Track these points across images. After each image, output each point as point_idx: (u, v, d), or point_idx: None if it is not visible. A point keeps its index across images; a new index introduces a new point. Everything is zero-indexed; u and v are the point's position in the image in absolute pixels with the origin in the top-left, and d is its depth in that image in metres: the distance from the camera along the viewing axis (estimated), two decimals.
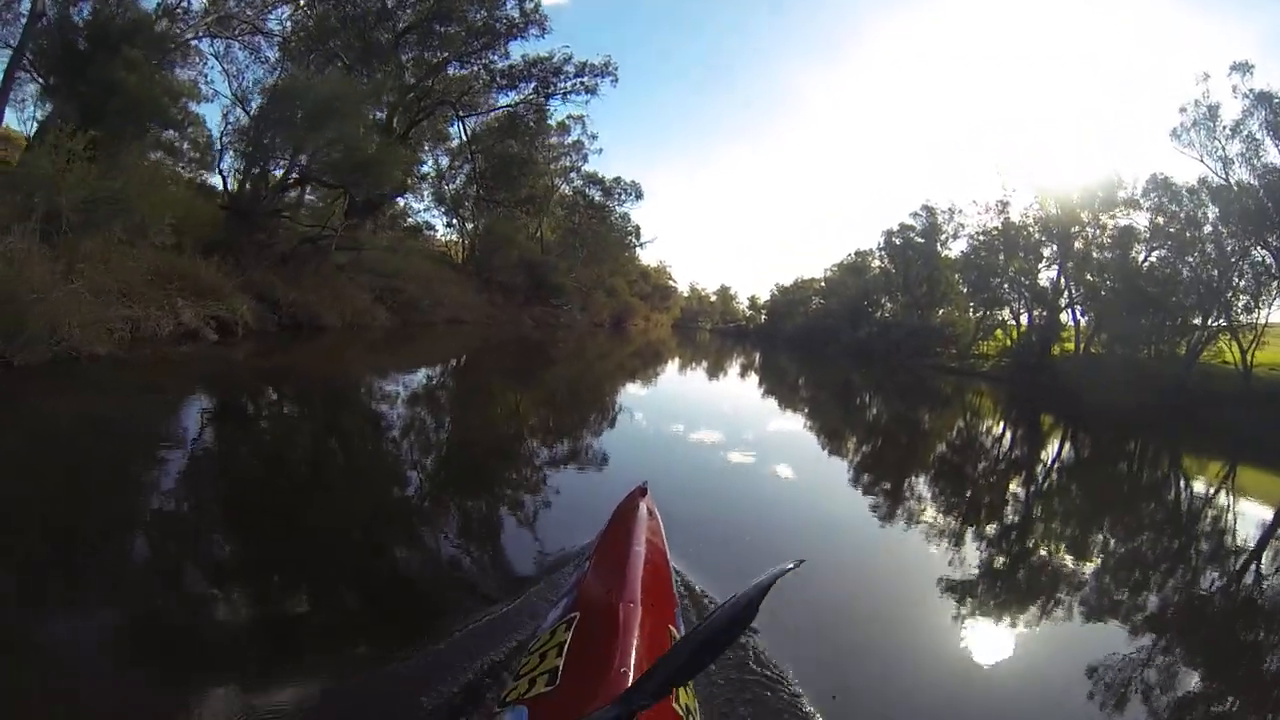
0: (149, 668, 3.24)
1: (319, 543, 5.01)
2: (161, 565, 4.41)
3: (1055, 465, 13.62)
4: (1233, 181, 28.78)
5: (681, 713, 2.11)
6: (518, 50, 32.56)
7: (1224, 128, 28.54)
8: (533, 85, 33.86)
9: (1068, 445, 17.36)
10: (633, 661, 2.04)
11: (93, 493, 5.51)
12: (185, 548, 4.67)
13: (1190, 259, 31.25)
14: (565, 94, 34.19)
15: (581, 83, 33.51)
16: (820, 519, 7.60)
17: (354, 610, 4.14)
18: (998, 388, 33.13)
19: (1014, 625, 5.02)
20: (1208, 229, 30.50)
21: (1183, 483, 13.21)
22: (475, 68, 32.64)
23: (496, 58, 32.24)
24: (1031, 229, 39.82)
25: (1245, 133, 27.97)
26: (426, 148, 37.49)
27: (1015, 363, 38.08)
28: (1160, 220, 32.69)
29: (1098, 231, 36.39)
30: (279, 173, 21.72)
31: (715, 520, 6.51)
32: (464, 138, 37.17)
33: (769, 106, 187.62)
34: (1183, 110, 29.40)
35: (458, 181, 40.63)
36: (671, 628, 2.66)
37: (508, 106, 35.13)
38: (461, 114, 34.45)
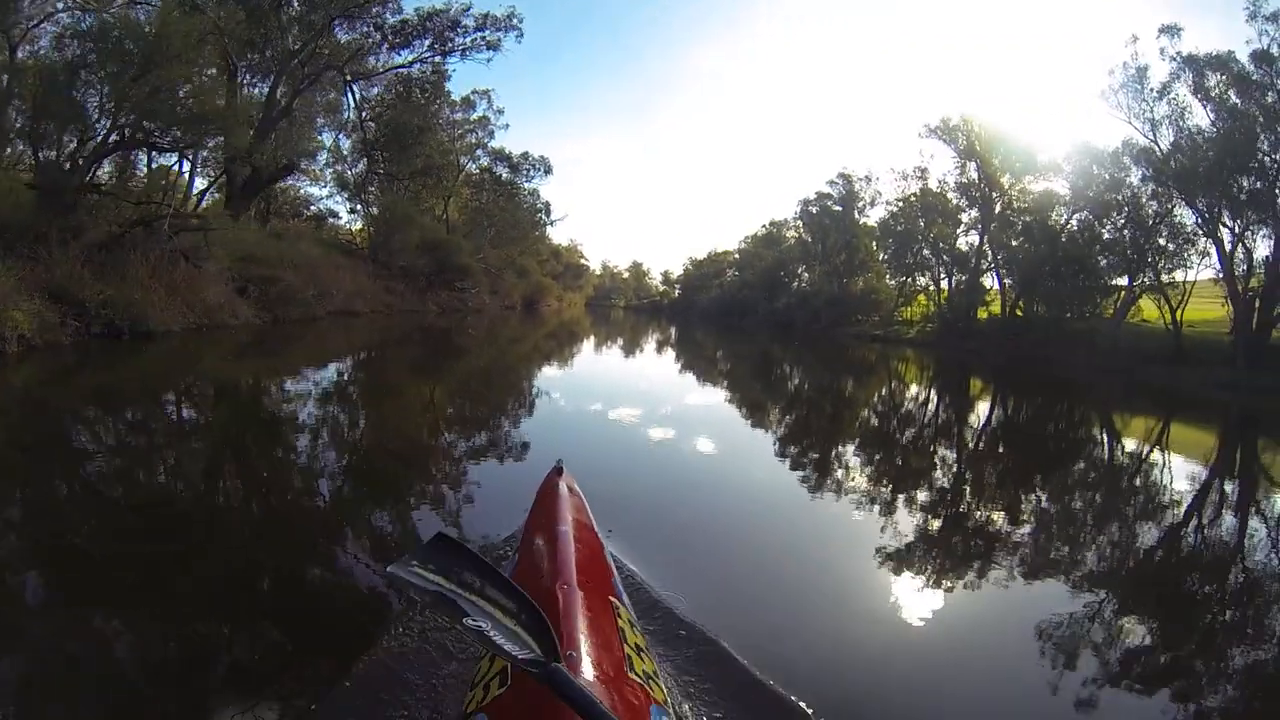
0: None
1: (225, 578, 4.23)
2: None
3: (986, 428, 13.41)
4: (1162, 143, 28.09)
5: (640, 679, 2.02)
6: (411, 4, 29.49)
7: (1151, 90, 27.78)
8: (428, 42, 30.57)
9: (998, 408, 17.08)
10: (580, 643, 1.94)
11: None
12: None
13: (1112, 221, 30.77)
14: (465, 51, 30.92)
15: (483, 38, 30.49)
16: (743, 489, 7.36)
17: (278, 645, 3.57)
18: (924, 353, 32.20)
19: (946, 587, 4.84)
20: (1127, 192, 29.88)
21: (1118, 440, 12.93)
22: (365, 26, 28.97)
23: (388, 13, 28.84)
24: (950, 194, 38.95)
25: (1172, 95, 27.33)
26: (320, 124, 33.10)
27: (940, 328, 36.77)
28: (1081, 183, 31.90)
29: (1018, 195, 35.64)
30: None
31: (637, 495, 6.32)
32: (352, 105, 32.65)
33: (678, 80, 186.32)
34: (1111, 72, 28.63)
35: (361, 165, 36.67)
36: (613, 599, 2.52)
37: (402, 67, 31.68)
38: (350, 78, 30.34)
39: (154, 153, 19.05)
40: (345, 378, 13.55)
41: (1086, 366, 26.61)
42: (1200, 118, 27.09)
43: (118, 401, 9.49)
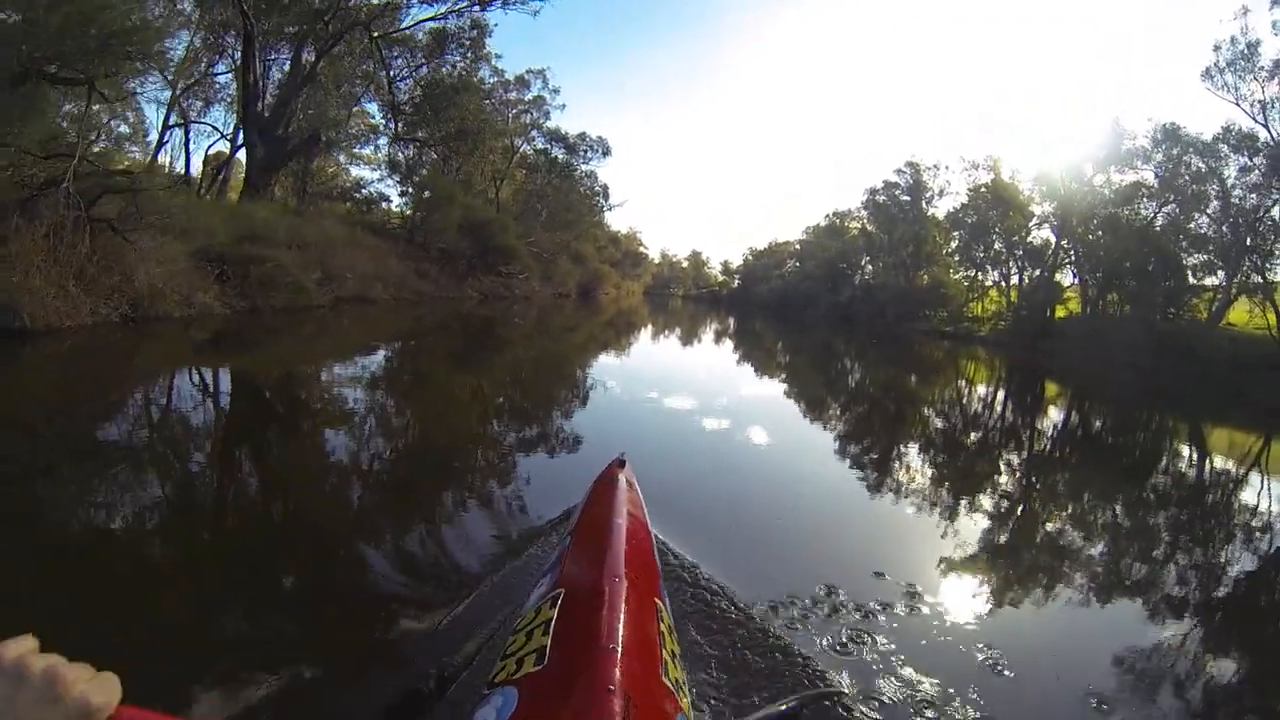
0: None
1: (291, 543, 4.65)
2: None
3: (1065, 436, 12.33)
4: (1274, 128, 25.47)
5: (671, 686, 2.00)
6: None
7: (1262, 69, 25.27)
8: None
9: (1078, 415, 15.47)
10: (620, 636, 1.91)
11: None
12: None
13: (1206, 214, 28.27)
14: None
15: None
16: (803, 485, 7.25)
17: (332, 603, 3.81)
18: (996, 352, 29.60)
19: (1004, 598, 4.62)
20: (1230, 182, 27.41)
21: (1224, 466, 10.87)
22: None
23: None
24: (1022, 185, 36.69)
25: None
26: (358, 93, 30.40)
27: (1013, 326, 34.15)
28: (1170, 174, 29.27)
29: (1101, 185, 32.69)
30: None
31: (694, 489, 6.41)
32: (379, 60, 28.51)
33: (746, 68, 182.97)
34: (1217, 48, 26.15)
35: (412, 147, 35.14)
36: (657, 600, 2.50)
37: (434, 20, 28.89)
38: (377, 35, 27.43)
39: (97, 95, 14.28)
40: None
41: (1176, 374, 23.80)
42: None
43: None
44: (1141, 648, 4.02)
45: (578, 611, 2.13)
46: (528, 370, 14.12)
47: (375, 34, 26.85)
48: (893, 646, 3.61)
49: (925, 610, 4.13)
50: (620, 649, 1.84)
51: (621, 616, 2.01)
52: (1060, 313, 33.56)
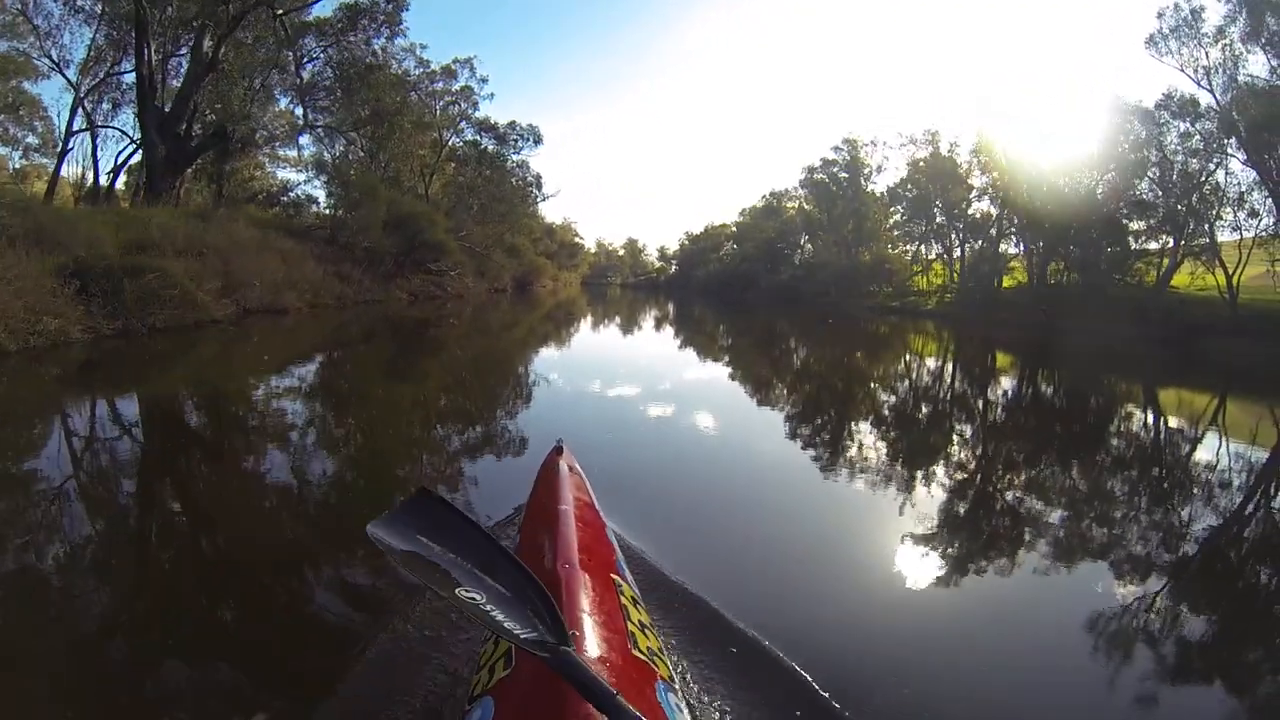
0: None
1: (228, 579, 4.04)
2: None
3: (1018, 402, 12.26)
4: (1218, 94, 25.62)
5: (644, 657, 1.98)
6: None
7: (1205, 34, 25.42)
8: None
9: (1032, 383, 15.22)
10: (583, 622, 1.89)
11: None
12: None
13: (1150, 178, 28.30)
14: None
15: None
16: (746, 463, 7.12)
17: (285, 636, 3.43)
18: (945, 325, 28.83)
19: (947, 559, 4.59)
20: (1172, 148, 27.47)
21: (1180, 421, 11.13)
22: None
23: None
24: (961, 158, 36.23)
25: (1226, 40, 25.03)
26: (270, 84, 27.23)
27: (960, 298, 33.48)
28: (1111, 142, 29.07)
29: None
30: None
31: (638, 472, 6.23)
32: (285, 40, 24.90)
33: (671, 52, 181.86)
34: (1160, 15, 26.23)
35: (339, 146, 32.81)
36: (615, 577, 2.47)
37: None
38: (280, 12, 24.25)
39: None
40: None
41: (1129, 338, 23.51)
42: (1257, 66, 24.73)
43: None
44: (1108, 610, 3.92)
45: None
46: (466, 372, 12.76)
47: (280, 12, 24.02)
48: (829, 611, 3.72)
49: (870, 576, 4.30)
50: (585, 633, 1.83)
51: (581, 600, 1.98)
52: (1007, 283, 33.00)
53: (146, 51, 19.79)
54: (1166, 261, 27.61)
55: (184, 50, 23.02)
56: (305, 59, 26.70)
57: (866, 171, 42.40)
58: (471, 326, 21.55)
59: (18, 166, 31.19)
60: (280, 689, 2.96)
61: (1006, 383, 15.01)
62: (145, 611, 3.65)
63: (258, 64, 24.61)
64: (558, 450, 3.67)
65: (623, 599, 2.27)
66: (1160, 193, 27.86)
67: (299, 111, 28.27)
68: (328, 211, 29.05)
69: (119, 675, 3.05)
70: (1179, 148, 27.15)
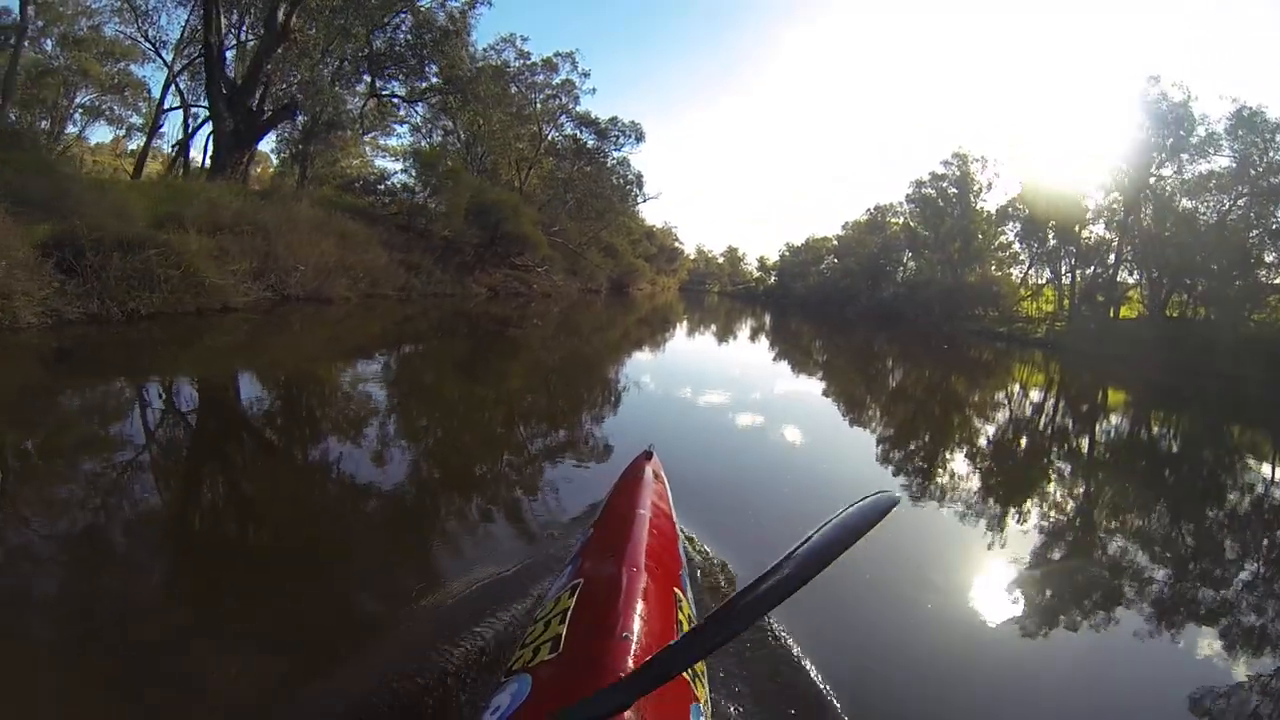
0: None
1: (319, 521, 4.61)
2: None
3: (1126, 445, 11.14)
4: None
5: (687, 676, 1.94)
6: None
7: None
8: None
9: (1144, 427, 13.39)
10: (636, 627, 1.89)
11: None
12: None
13: None
14: None
15: None
16: (835, 489, 6.78)
17: (354, 581, 3.76)
18: (1053, 355, 26.69)
19: (1039, 618, 4.16)
20: None
21: None
22: None
23: None
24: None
25: None
26: (344, 54, 24.79)
27: (1070, 327, 31.05)
28: (1245, 162, 26.43)
29: (1170, 176, 29.22)
30: None
31: (723, 483, 6.28)
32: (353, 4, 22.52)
33: (781, 64, 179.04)
34: None
35: (436, 135, 32.34)
36: (677, 590, 2.46)
37: None
38: None
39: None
40: None
41: (1263, 380, 20.95)
42: None
43: None
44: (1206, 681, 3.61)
45: (595, 601, 2.09)
46: (550, 381, 11.78)
47: None
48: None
49: (956, 620, 4.04)
50: (635, 638, 1.82)
51: (639, 606, 1.99)
52: (1124, 313, 30.55)
53: (215, 18, 19.14)
54: None
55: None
56: (376, 27, 24.76)
57: (976, 188, 40.01)
58: (559, 327, 20.38)
59: (132, 148, 31.98)
60: (313, 662, 2.93)
61: (1117, 422, 13.66)
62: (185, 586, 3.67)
63: (332, 33, 22.79)
64: (646, 455, 3.72)
65: (680, 614, 2.25)
66: None
67: (366, 80, 26.13)
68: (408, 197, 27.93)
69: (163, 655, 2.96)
70: None
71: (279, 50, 20.75)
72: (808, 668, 3.04)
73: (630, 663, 1.69)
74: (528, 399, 9.89)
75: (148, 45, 25.57)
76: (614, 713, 1.43)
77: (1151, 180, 29.29)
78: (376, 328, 15.17)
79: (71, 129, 28.90)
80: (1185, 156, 28.38)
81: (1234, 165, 26.69)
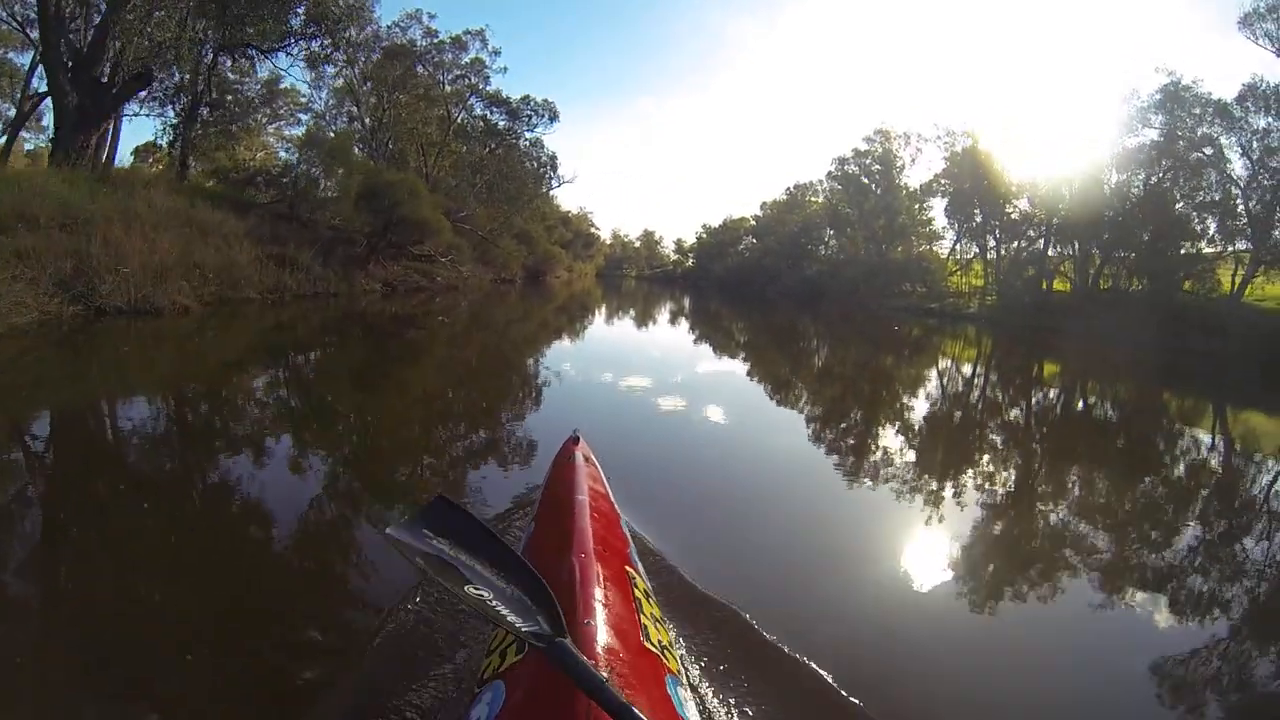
0: None
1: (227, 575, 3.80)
2: None
3: (1061, 415, 10.89)
4: None
5: (655, 649, 1.95)
6: None
7: None
8: None
9: (1080, 398, 12.90)
10: (596, 612, 1.85)
11: None
12: None
13: (1231, 177, 25.05)
14: None
15: None
16: (760, 458, 7.00)
17: (293, 622, 3.36)
18: (987, 330, 25.97)
19: (961, 562, 4.41)
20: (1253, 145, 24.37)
21: None
22: None
23: None
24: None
25: None
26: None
27: (1001, 302, 30.01)
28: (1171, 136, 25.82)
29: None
30: None
31: (652, 464, 6.20)
32: None
33: (692, 44, 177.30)
34: None
35: (339, 123, 29.35)
36: (629, 569, 2.43)
37: None
38: None
39: None
40: None
41: (1202, 351, 20.61)
42: None
43: None
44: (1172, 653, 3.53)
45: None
46: (465, 382, 10.49)
47: None
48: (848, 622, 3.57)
49: (884, 580, 4.12)
50: (597, 624, 1.80)
51: (595, 591, 1.95)
52: (1059, 287, 29.78)
53: None
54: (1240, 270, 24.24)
55: None
56: None
57: (899, 165, 38.71)
58: (470, 323, 17.87)
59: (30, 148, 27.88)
60: (286, 683, 2.81)
61: (1052, 394, 13.06)
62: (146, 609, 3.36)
63: None
64: (574, 440, 3.60)
65: (635, 591, 2.22)
66: (1227, 191, 24.89)
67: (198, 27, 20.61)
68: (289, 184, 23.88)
69: (115, 676, 2.82)
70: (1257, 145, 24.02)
71: (127, 8, 17.07)
72: (767, 634, 3.08)
73: (598, 649, 1.66)
74: (439, 404, 8.89)
75: (13, 24, 21.51)
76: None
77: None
78: (232, 344, 11.89)
79: None
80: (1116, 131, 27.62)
81: (1162, 139, 25.96)
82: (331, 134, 26.37)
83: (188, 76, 20.43)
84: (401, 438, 6.94)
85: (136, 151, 30.44)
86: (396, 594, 3.30)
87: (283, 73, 25.86)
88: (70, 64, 16.14)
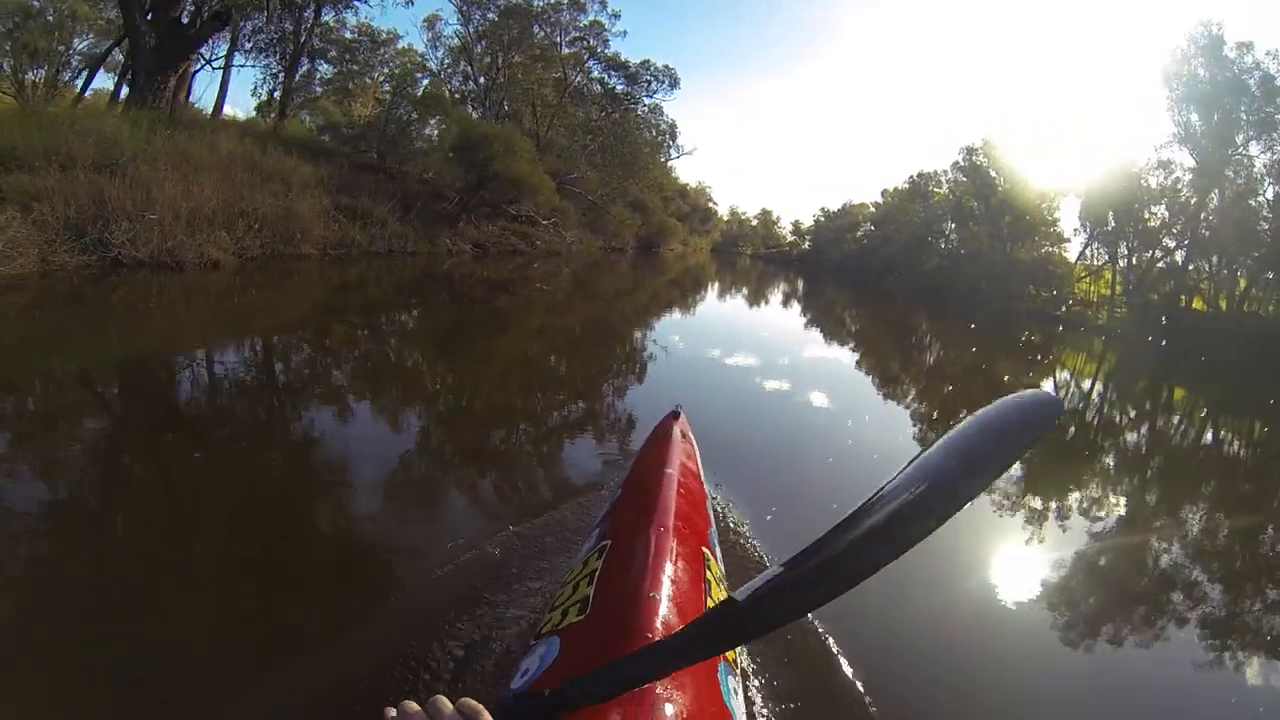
0: None
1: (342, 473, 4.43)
2: None
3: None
4: None
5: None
6: None
7: None
8: None
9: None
10: (664, 587, 1.85)
11: None
12: None
13: None
14: None
15: None
16: (857, 454, 6.77)
17: (382, 540, 3.67)
18: (1116, 346, 23.91)
19: (1059, 601, 4.04)
20: None
21: None
22: None
23: None
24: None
25: None
26: None
27: (1132, 315, 27.40)
28: None
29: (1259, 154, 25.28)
30: None
31: (751, 443, 6.22)
32: None
33: (814, 20, 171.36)
34: None
35: (455, 81, 29.35)
36: (705, 549, 2.41)
37: None
38: None
39: None
40: None
41: None
42: None
43: None
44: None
45: (623, 562, 2.06)
46: (564, 354, 10.21)
47: None
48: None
49: (971, 604, 3.94)
50: (663, 598, 1.79)
51: (667, 566, 1.96)
52: (1197, 305, 26.90)
53: None
54: None
55: None
56: None
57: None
58: (573, 291, 17.33)
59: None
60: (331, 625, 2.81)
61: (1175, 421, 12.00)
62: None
63: None
64: (674, 415, 3.60)
65: (708, 573, 2.19)
66: None
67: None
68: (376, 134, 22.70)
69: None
70: None
71: None
72: (830, 645, 2.98)
73: (658, 624, 1.66)
74: (536, 374, 8.67)
75: None
76: (638, 684, 1.22)
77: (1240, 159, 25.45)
78: (265, 308, 10.68)
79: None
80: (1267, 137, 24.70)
81: None
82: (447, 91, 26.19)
83: (289, 26, 20.26)
84: (497, 406, 6.78)
85: (260, 106, 29.56)
86: (473, 539, 3.48)
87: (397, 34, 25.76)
88: (148, 3, 15.94)
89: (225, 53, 22.49)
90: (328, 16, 23.05)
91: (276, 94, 23.63)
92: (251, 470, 4.53)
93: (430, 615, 2.73)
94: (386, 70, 25.79)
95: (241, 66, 23.59)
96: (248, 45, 22.31)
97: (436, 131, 21.82)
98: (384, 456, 4.81)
